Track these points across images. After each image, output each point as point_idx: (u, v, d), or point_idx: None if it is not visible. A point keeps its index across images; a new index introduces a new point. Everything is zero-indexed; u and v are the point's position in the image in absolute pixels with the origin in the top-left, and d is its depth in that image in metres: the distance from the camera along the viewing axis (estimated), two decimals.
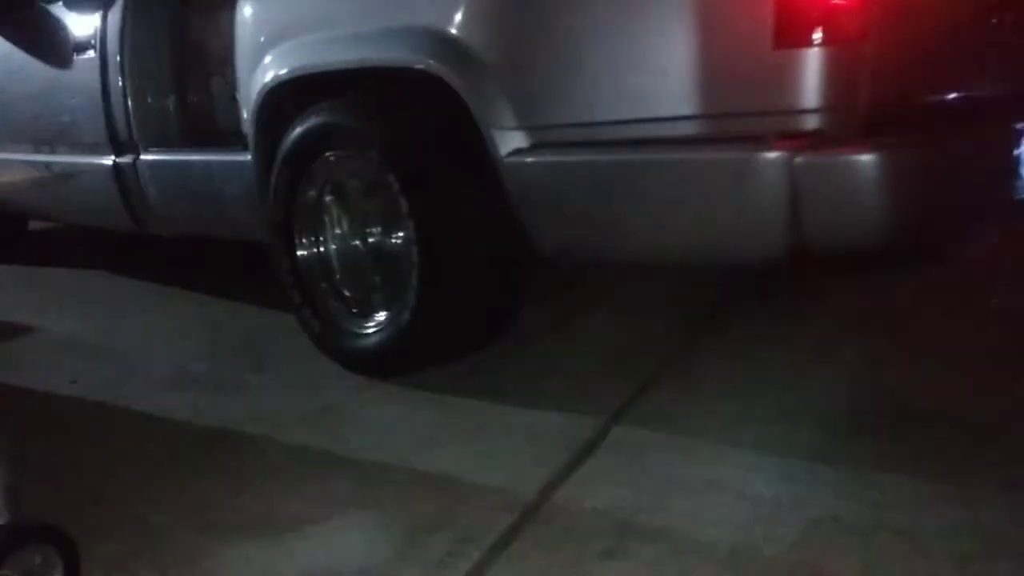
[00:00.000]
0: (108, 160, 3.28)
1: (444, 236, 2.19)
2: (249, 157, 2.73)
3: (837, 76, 1.72)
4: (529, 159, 2.04)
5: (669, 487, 1.75)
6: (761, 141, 1.74)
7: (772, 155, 1.71)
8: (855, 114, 1.76)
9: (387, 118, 2.30)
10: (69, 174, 3.59)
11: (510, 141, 2.04)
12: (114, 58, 3.18)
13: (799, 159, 1.69)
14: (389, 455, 1.97)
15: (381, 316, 2.39)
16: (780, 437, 1.92)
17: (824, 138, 1.73)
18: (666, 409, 2.11)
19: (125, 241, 3.87)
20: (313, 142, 2.44)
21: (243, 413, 2.25)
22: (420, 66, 2.17)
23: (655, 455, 1.88)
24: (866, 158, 1.67)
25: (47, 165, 3.68)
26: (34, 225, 4.53)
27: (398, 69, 2.26)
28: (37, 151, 3.68)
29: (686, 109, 1.84)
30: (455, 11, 2.11)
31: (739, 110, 1.80)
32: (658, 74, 1.86)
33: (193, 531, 1.71)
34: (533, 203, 2.08)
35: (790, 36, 1.72)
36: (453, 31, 2.11)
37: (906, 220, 1.76)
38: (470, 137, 2.11)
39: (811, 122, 1.74)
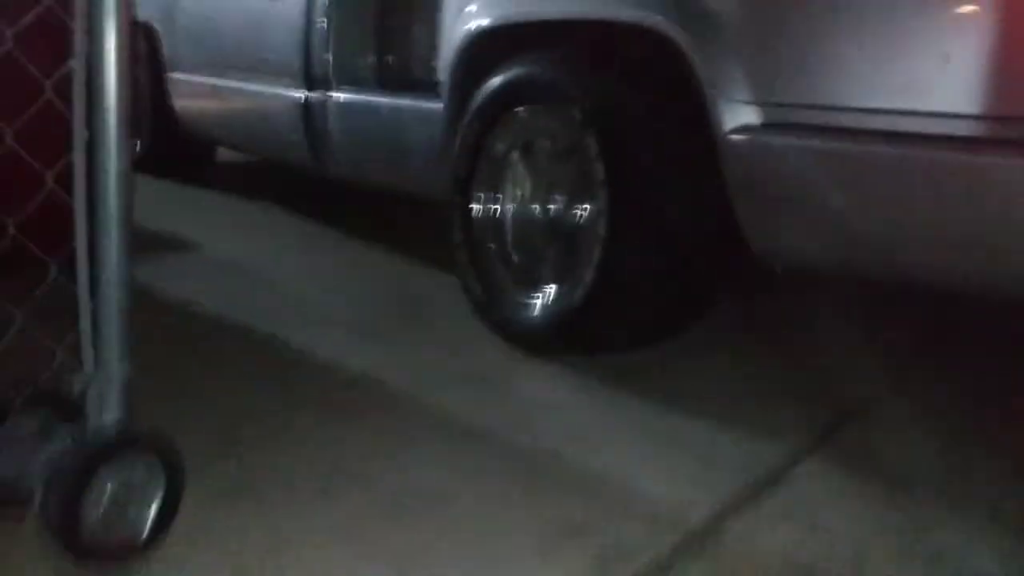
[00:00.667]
0: (300, 94, 3.21)
1: (640, 212, 1.94)
2: (441, 106, 2.57)
3: None
4: (757, 138, 1.75)
5: (867, 538, 1.44)
6: None
7: None
8: None
9: (596, 76, 2.07)
10: (261, 104, 3.56)
11: (738, 116, 1.76)
12: None
13: None
14: (537, 440, 1.74)
15: (550, 289, 2.16)
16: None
17: None
18: (871, 447, 1.78)
19: (308, 182, 3.83)
20: (511, 94, 2.25)
21: (387, 366, 2.08)
22: (648, 23, 1.92)
23: (851, 499, 1.57)
24: None
25: (241, 93, 3.67)
26: (224, 157, 4.56)
27: (617, 25, 2.02)
28: (234, 78, 3.68)
29: (965, 105, 1.51)
30: None
31: None
32: (937, 60, 1.54)
33: (308, 480, 1.53)
34: (752, 190, 1.79)
35: None
36: None
37: None
38: (689, 107, 1.85)
39: None
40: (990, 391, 2.09)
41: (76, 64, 1.27)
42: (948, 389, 2.10)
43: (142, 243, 2.96)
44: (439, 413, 1.85)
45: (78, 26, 1.26)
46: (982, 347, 2.40)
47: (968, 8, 1.54)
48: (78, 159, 1.28)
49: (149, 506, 1.30)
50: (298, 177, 3.76)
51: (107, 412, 1.31)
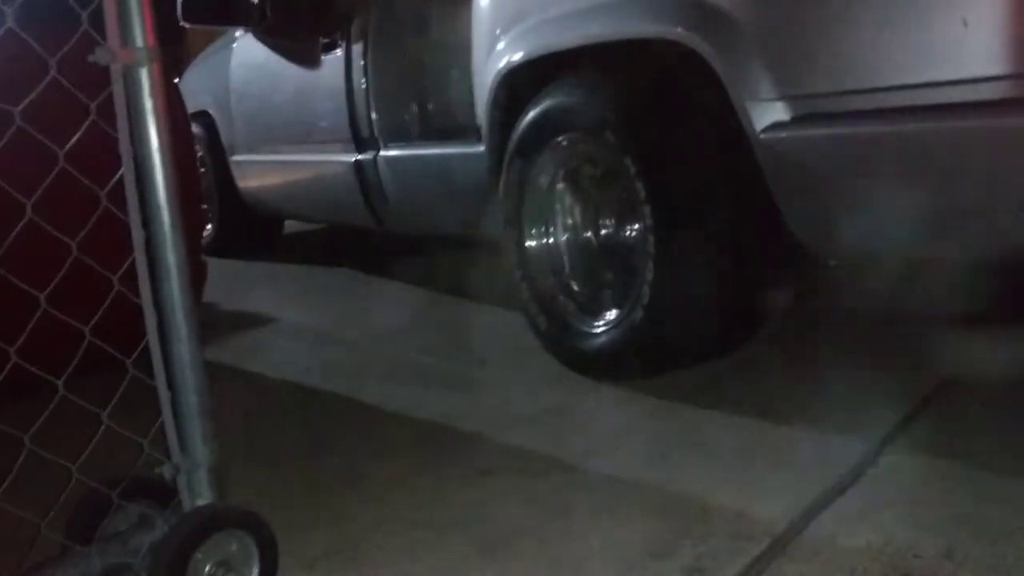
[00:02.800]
0: (351, 157, 3.31)
1: (684, 225, 1.94)
2: (482, 148, 2.63)
3: None
4: (791, 133, 1.74)
5: (958, 527, 1.41)
6: None
7: None
8: None
9: (623, 95, 2.09)
10: (317, 172, 3.68)
11: (768, 114, 1.76)
12: (358, 56, 3.21)
13: None
14: (616, 466, 1.76)
15: (611, 314, 2.18)
16: None
17: None
18: (952, 434, 1.74)
19: (370, 240, 3.91)
20: (546, 125, 2.28)
21: (463, 409, 2.12)
22: (668, 37, 1.94)
23: (938, 488, 1.54)
24: None
25: (297, 164, 3.80)
26: (290, 228, 4.73)
27: (640, 42, 2.04)
28: (289, 152, 3.81)
29: (993, 68, 1.49)
30: None
31: None
32: (956, 25, 1.52)
33: (397, 531, 1.57)
34: (794, 185, 1.79)
35: None
36: None
37: None
38: (719, 113, 1.86)
39: None
40: None
41: (125, 170, 1.35)
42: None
43: (222, 324, 3.10)
44: (517, 450, 1.87)
45: (122, 135, 1.34)
46: None
47: None
48: (139, 258, 1.36)
49: None
50: (361, 236, 3.85)
51: (197, 496, 1.38)
